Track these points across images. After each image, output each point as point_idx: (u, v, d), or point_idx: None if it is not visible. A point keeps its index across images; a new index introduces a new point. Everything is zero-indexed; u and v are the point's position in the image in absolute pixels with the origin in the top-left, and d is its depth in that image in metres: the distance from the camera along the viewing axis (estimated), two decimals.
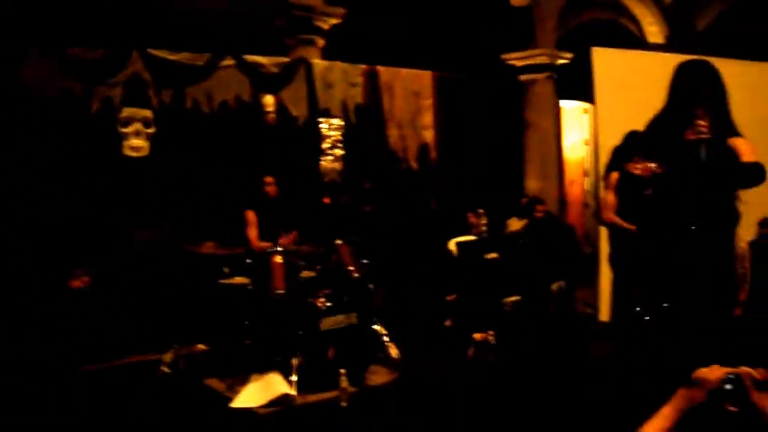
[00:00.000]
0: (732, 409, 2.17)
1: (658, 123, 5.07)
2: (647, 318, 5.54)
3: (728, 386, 2.16)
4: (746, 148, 4.75)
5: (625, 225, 6.93)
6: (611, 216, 7.13)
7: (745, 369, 2.18)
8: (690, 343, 4.72)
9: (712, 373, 2.20)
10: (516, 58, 12.87)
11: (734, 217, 4.99)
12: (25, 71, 8.13)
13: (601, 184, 7.91)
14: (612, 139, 8.51)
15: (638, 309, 5.75)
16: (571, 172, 14.68)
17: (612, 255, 7.44)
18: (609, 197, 7.19)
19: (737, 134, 4.81)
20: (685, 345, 4.75)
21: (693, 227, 4.76)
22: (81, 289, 5.14)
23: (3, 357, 4.75)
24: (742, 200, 4.94)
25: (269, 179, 8.09)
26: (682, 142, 4.76)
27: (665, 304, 5.00)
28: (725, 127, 4.81)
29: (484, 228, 8.95)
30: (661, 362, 4.97)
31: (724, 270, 4.96)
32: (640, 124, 6.63)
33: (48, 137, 8.20)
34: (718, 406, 2.18)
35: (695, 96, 4.75)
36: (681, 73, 4.98)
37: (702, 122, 4.66)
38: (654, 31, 14.17)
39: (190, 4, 9.78)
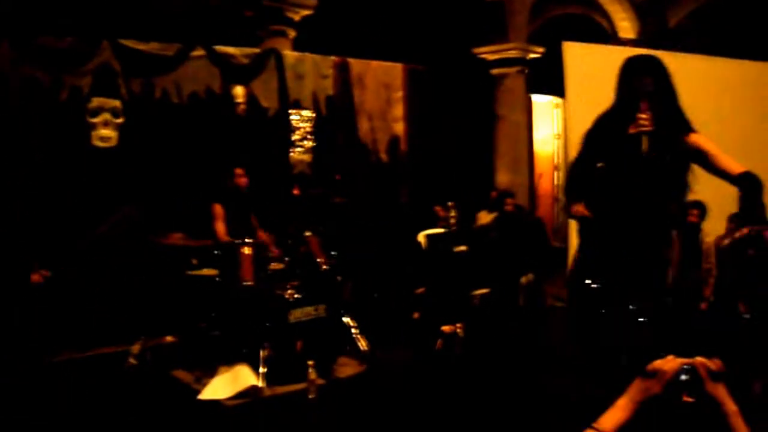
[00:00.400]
0: (688, 399, 2.19)
1: (603, 119, 5.15)
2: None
3: (684, 377, 2.18)
4: (711, 146, 4.83)
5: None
6: (579, 209, 7.15)
7: (700, 359, 2.20)
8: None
9: (668, 364, 2.21)
10: (487, 52, 12.90)
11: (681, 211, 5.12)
12: None
13: None
14: (582, 130, 8.56)
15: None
16: (542, 166, 14.75)
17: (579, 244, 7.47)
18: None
19: (691, 130, 4.87)
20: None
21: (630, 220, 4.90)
22: (41, 283, 5.08)
23: None
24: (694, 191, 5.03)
25: (239, 170, 8.04)
26: (625, 136, 4.84)
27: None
28: (676, 122, 4.88)
29: (453, 221, 8.95)
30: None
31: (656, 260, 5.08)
32: None
33: (14, 126, 8.13)
34: (673, 397, 2.20)
35: (639, 90, 4.83)
36: (626, 68, 5.04)
37: (643, 115, 4.76)
38: (626, 27, 14.24)
39: None
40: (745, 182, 4.66)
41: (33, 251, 7.24)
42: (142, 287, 7.88)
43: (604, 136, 5.08)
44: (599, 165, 5.04)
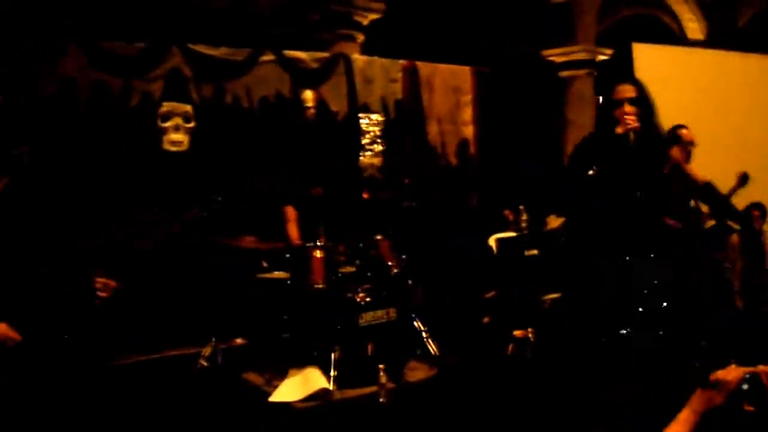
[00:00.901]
0: (750, 408, 2.14)
1: (589, 136, 5.55)
2: None
3: (746, 386, 2.14)
4: (682, 157, 5.40)
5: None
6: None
7: (762, 368, 2.15)
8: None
9: (730, 373, 2.17)
10: (556, 54, 12.81)
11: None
12: (65, 65, 8.16)
13: None
14: None
15: None
16: None
17: None
18: None
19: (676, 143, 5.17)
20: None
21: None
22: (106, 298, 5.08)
23: (35, 351, 4.74)
24: None
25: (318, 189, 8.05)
26: (613, 137, 5.08)
27: None
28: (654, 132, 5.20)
29: (524, 224, 8.88)
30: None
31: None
32: (681, 120, 6.74)
33: (86, 131, 8.23)
34: (736, 407, 2.16)
35: (622, 96, 5.10)
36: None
37: (628, 110, 5.01)
38: (694, 28, 14.04)
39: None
40: (707, 192, 4.82)
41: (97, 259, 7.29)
42: (213, 290, 7.91)
43: (592, 145, 5.33)
44: (591, 172, 5.18)
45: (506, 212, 9.44)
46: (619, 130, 5.02)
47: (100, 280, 5.02)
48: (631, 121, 4.99)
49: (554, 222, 9.96)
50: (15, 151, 6.21)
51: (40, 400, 4.79)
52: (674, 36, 14.18)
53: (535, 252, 8.51)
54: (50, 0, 8.80)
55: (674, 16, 14.23)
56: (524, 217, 8.90)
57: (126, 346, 7.62)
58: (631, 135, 5.01)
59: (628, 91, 5.08)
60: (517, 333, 7.60)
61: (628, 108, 5.00)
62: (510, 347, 7.63)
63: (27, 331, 4.65)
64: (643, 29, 13.31)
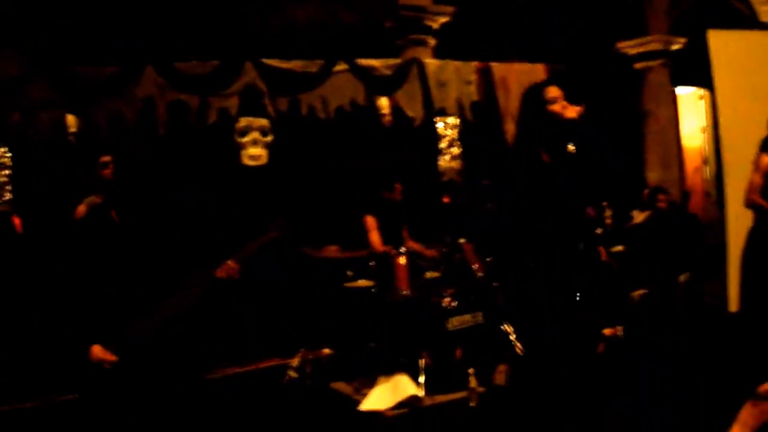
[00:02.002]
0: None
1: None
2: None
3: None
4: None
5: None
6: (756, 198, 6.98)
7: None
8: None
9: None
10: (629, 46, 12.63)
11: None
12: (143, 87, 8.29)
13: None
14: (734, 123, 8.26)
15: None
16: (690, 161, 14.34)
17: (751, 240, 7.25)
18: (755, 179, 7.02)
19: None
20: None
21: None
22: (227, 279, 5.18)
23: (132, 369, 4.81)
24: None
25: (398, 186, 8.04)
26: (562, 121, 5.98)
27: None
28: None
29: (608, 221, 8.78)
30: None
31: None
32: (761, 106, 6.64)
33: (166, 150, 8.35)
34: None
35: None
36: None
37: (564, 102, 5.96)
38: (765, 11, 13.72)
39: (296, 13, 9.86)
40: None
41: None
42: (300, 301, 7.95)
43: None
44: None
45: (588, 210, 9.31)
46: (571, 115, 5.94)
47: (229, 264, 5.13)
48: (577, 107, 5.91)
49: (638, 217, 9.84)
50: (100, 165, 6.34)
51: (139, 416, 4.85)
52: (746, 20, 13.87)
53: (620, 248, 8.40)
54: (123, 25, 8.94)
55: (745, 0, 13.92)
56: (608, 213, 8.79)
57: (215, 359, 7.68)
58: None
59: (553, 91, 6.02)
60: (607, 331, 7.50)
61: (563, 101, 5.92)
62: (601, 346, 7.53)
63: (122, 350, 4.72)
64: (713, 15, 13.04)
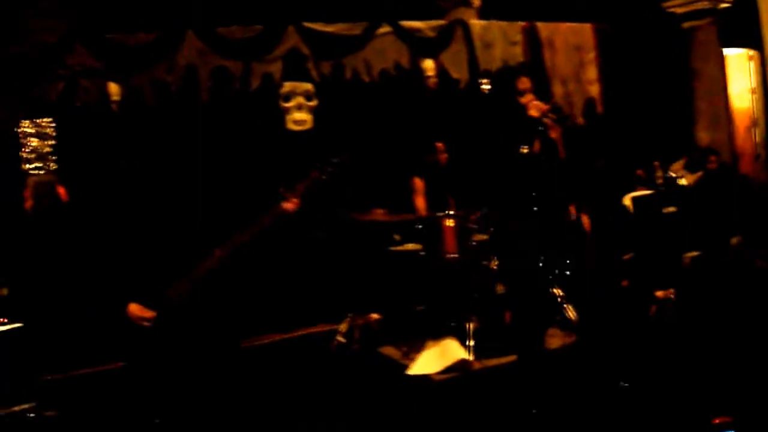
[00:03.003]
0: None
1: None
2: None
3: None
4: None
5: None
6: None
7: None
8: None
9: None
10: (677, 5, 12.38)
11: None
12: (185, 54, 8.26)
13: None
14: None
15: None
16: (739, 122, 14.07)
17: None
18: None
19: None
20: None
21: None
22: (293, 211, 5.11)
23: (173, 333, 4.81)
24: None
25: (440, 145, 7.96)
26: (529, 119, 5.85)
27: None
28: None
29: (660, 181, 8.63)
30: None
31: None
32: None
33: (210, 117, 8.32)
34: None
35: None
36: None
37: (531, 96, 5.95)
38: None
39: None
40: None
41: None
42: (348, 265, 7.90)
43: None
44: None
45: (639, 171, 9.18)
46: (533, 113, 5.86)
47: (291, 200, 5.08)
48: (541, 105, 5.86)
49: (689, 178, 9.66)
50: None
51: (177, 382, 4.85)
52: None
53: (673, 209, 8.25)
54: None
55: None
56: (659, 173, 8.64)
57: (263, 326, 7.68)
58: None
59: (524, 83, 5.99)
60: (659, 294, 7.38)
61: (531, 96, 5.89)
62: (653, 309, 7.41)
63: (161, 309, 4.74)
64: None
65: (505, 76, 6.04)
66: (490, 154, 8.11)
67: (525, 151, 5.70)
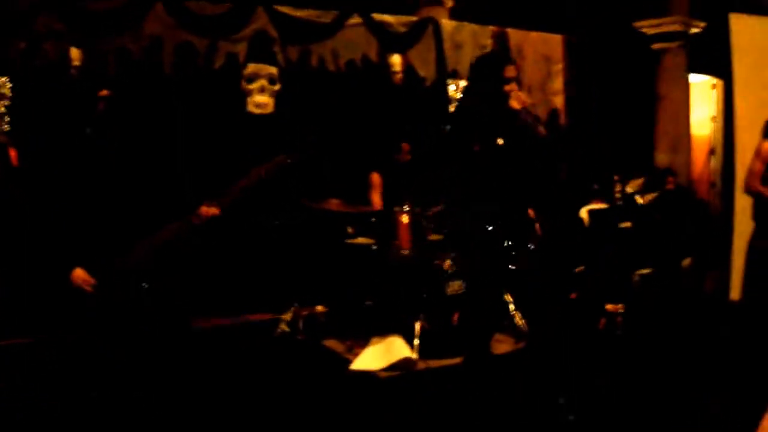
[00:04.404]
0: None
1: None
2: None
3: None
4: None
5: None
6: (756, 185, 6.98)
7: None
8: None
9: None
10: (647, 26, 12.44)
11: None
12: (151, 25, 8.11)
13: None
14: (749, 111, 8.12)
15: None
16: (698, 149, 14.19)
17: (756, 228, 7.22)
18: (756, 166, 7.01)
19: None
20: None
21: None
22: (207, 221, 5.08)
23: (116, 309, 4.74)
24: None
25: (406, 146, 7.92)
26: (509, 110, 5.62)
27: None
28: None
29: (618, 195, 8.64)
30: None
31: None
32: None
33: (170, 92, 8.19)
34: None
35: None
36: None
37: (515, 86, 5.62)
38: None
39: None
40: None
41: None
42: (297, 254, 7.82)
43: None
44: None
45: (596, 186, 9.18)
46: (515, 105, 5.56)
47: (204, 209, 5.02)
48: (523, 96, 5.65)
49: (646, 196, 9.69)
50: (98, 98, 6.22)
51: (120, 361, 4.77)
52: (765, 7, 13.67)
53: (628, 225, 8.27)
54: None
55: None
56: (617, 188, 8.65)
57: (207, 310, 7.57)
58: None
59: (512, 70, 5.61)
60: (610, 307, 7.38)
61: (515, 85, 5.58)
62: (602, 322, 7.41)
63: (105, 276, 4.67)
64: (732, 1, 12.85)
65: (489, 62, 5.79)
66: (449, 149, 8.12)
67: (501, 143, 5.62)
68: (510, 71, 5.59)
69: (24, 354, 5.97)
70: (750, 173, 7.10)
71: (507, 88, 5.51)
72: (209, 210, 5.10)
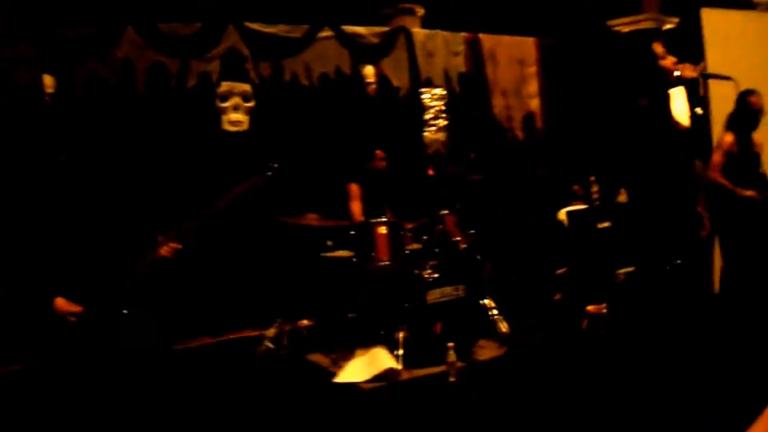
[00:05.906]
0: None
1: None
2: None
3: None
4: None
5: (728, 185, 7.29)
6: (716, 176, 7.10)
7: None
8: None
9: None
10: (621, 24, 12.48)
11: None
12: (122, 48, 8.09)
13: None
14: (725, 103, 8.16)
15: None
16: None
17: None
18: (716, 157, 7.14)
19: None
20: None
21: None
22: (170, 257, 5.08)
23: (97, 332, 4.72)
24: None
25: (380, 153, 7.93)
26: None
27: None
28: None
29: (595, 196, 8.64)
30: None
31: None
32: (753, 86, 6.74)
33: (145, 113, 8.17)
34: None
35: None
36: None
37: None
38: None
39: None
40: None
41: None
42: (278, 270, 7.83)
43: None
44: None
45: (575, 187, 9.19)
46: (688, 73, 5.57)
47: (168, 244, 5.01)
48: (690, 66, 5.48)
49: (623, 195, 9.71)
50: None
51: (103, 383, 4.76)
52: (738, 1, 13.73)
53: (607, 224, 8.27)
54: None
55: None
56: (595, 188, 8.66)
57: (191, 329, 7.57)
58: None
59: (660, 47, 5.56)
60: (591, 308, 7.39)
61: (672, 57, 5.49)
62: (584, 323, 7.42)
63: (87, 305, 4.65)
64: None
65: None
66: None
67: (700, 111, 5.72)
68: (659, 47, 5.68)
69: (13, 381, 5.98)
70: (711, 165, 7.22)
71: (663, 63, 5.62)
72: (171, 246, 5.08)
